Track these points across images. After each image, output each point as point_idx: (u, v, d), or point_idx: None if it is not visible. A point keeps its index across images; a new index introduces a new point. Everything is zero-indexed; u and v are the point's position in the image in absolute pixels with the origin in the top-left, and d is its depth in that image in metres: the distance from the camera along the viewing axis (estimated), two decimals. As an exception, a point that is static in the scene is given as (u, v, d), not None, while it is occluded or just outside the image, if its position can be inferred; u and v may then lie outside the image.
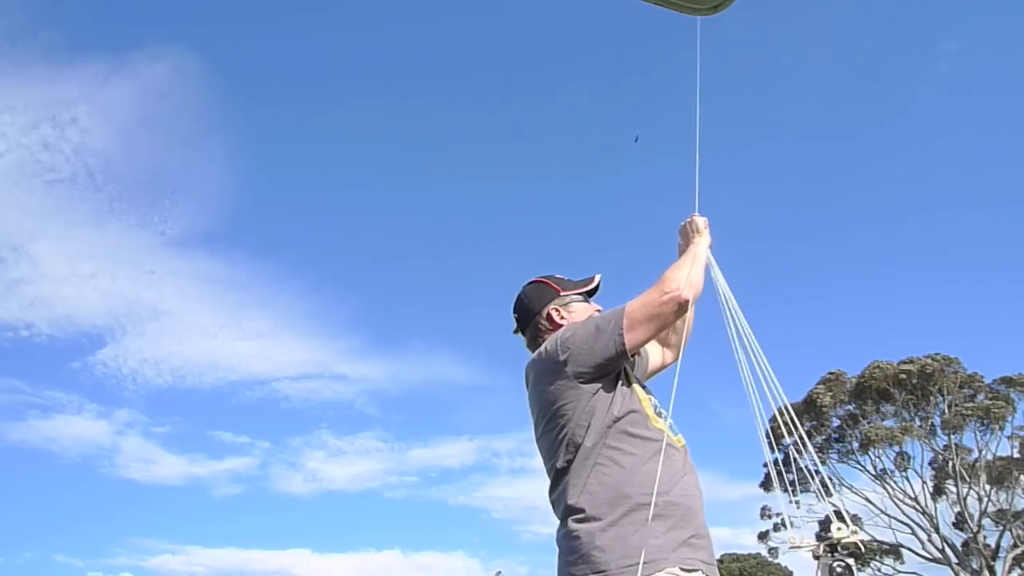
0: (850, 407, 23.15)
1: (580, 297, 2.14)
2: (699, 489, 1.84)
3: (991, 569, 21.02)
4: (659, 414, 1.90)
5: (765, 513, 25.37)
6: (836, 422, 23.56)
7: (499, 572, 34.59)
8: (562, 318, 2.08)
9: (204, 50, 54.65)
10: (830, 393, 23.26)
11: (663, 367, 2.28)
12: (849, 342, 42.52)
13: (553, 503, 1.85)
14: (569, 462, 1.78)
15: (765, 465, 25.56)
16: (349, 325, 56.74)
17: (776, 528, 25.10)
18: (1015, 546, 21.01)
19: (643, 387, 2.01)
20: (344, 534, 48.84)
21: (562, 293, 2.11)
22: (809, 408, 23.56)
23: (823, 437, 23.69)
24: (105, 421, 43.56)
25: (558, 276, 2.18)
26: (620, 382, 1.88)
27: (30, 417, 40.67)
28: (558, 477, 1.82)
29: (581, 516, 1.70)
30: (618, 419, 1.80)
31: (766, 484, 25.33)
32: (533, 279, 2.19)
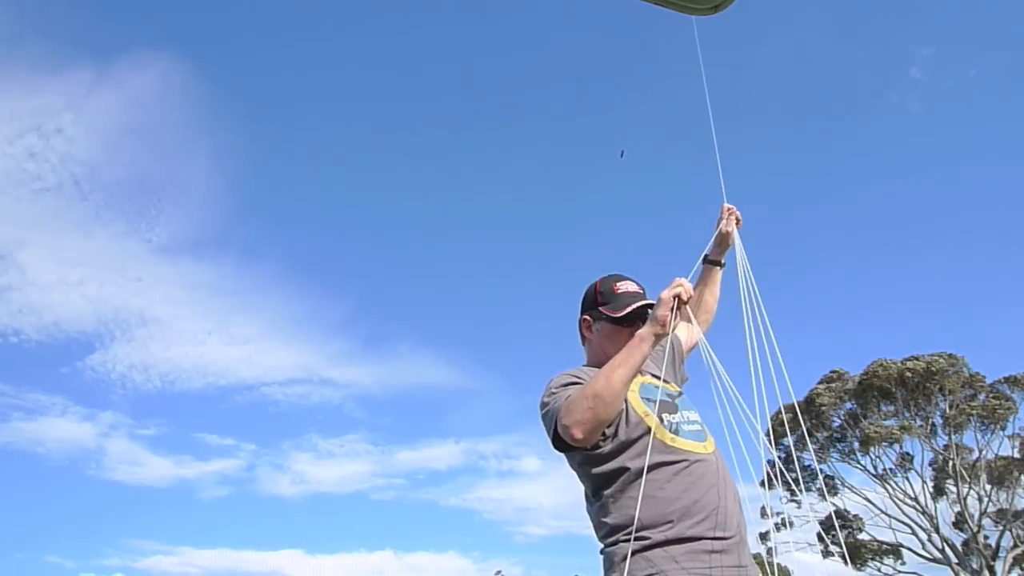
0: (850, 406, 23.14)
1: (610, 319, 1.99)
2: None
3: (991, 569, 21.01)
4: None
5: (765, 513, 25.37)
6: (837, 422, 23.55)
7: (499, 572, 34.62)
8: (589, 331, 2.07)
9: (189, 58, 54.90)
10: (830, 392, 23.24)
11: (696, 344, 2.23)
12: (851, 341, 42.51)
13: None
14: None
15: (765, 465, 25.58)
16: (337, 330, 57.10)
17: (777, 528, 25.11)
18: (1015, 546, 20.99)
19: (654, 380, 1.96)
20: (334, 535, 49.11)
21: (598, 306, 2.03)
22: (809, 407, 23.54)
23: (824, 436, 23.67)
24: (89, 424, 43.87)
25: (616, 281, 2.05)
26: None
27: (14, 419, 40.83)
28: None
29: None
30: None
31: (767, 483, 25.31)
32: (605, 275, 2.10)
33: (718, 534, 1.65)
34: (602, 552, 1.72)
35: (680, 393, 2.01)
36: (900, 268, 44.41)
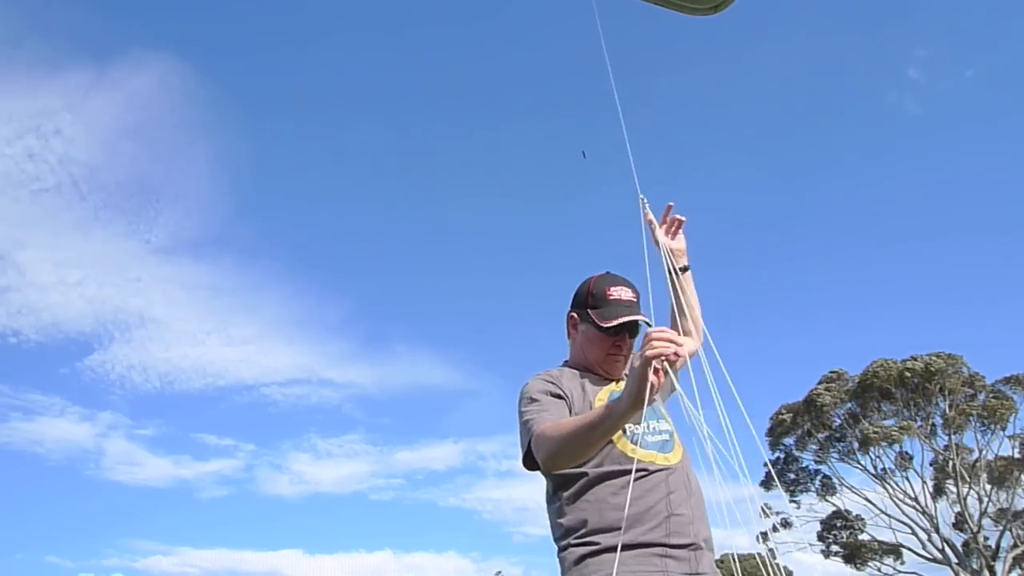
0: (850, 406, 23.15)
1: (595, 325, 1.97)
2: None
3: (991, 569, 21.01)
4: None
5: (765, 512, 25.39)
6: (837, 421, 23.56)
7: (499, 572, 34.63)
8: (575, 329, 2.06)
9: (188, 59, 54.85)
10: (830, 392, 23.25)
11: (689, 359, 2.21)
12: (851, 341, 42.50)
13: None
14: None
15: (766, 464, 25.60)
16: (335, 330, 57.06)
17: (775, 528, 25.11)
18: (1015, 546, 20.99)
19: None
20: (333, 535, 49.14)
21: (587, 307, 2.01)
22: (809, 407, 23.55)
23: (824, 436, 23.68)
24: (88, 424, 43.87)
25: (610, 285, 2.02)
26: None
27: (13, 420, 40.86)
28: None
29: None
30: None
31: (766, 483, 25.36)
32: (602, 273, 2.08)
33: (673, 541, 1.67)
34: (558, 555, 1.77)
35: (653, 401, 2.00)
36: (900, 268, 44.43)
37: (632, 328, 1.96)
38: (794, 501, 24.85)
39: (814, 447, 24.10)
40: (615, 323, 1.93)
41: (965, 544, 21.93)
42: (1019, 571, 21.16)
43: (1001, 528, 21.35)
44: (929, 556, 21.93)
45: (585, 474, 1.77)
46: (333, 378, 53.66)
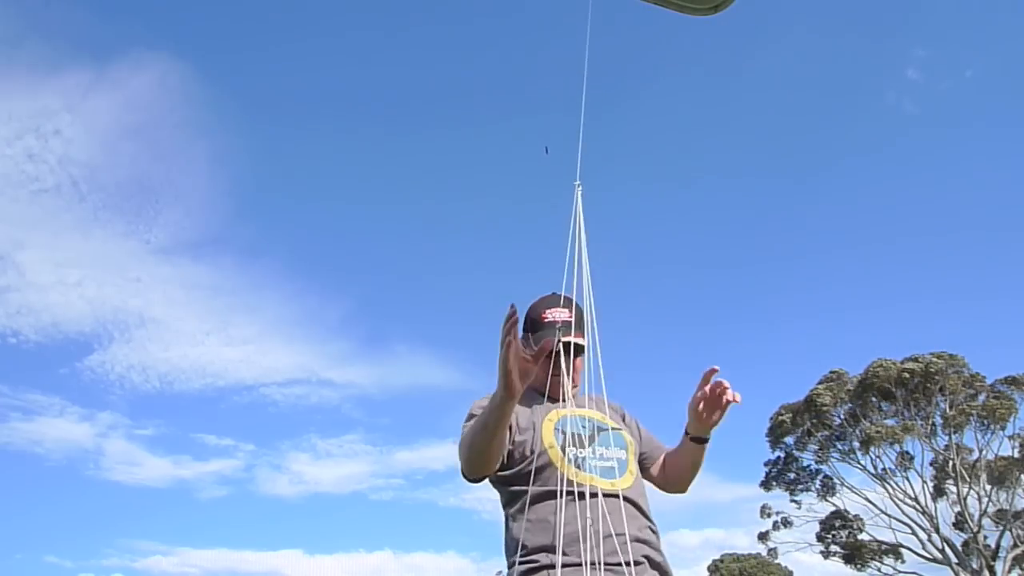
0: (850, 406, 23.16)
1: (536, 344, 1.94)
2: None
3: (991, 569, 21.01)
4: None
5: (765, 512, 25.39)
6: (837, 421, 23.57)
7: (500, 572, 34.67)
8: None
9: (187, 59, 54.83)
10: (830, 392, 23.26)
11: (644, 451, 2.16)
12: (851, 341, 42.51)
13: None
14: None
15: (767, 464, 25.62)
16: (335, 331, 57.11)
17: (776, 527, 25.12)
18: (1015, 546, 21.00)
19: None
20: (333, 535, 49.20)
21: (529, 331, 2.05)
22: (809, 407, 23.57)
23: (824, 435, 23.69)
24: (88, 424, 43.90)
25: (545, 308, 2.02)
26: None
27: (13, 420, 40.91)
28: None
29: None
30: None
31: (766, 483, 25.36)
32: (541, 298, 2.08)
33: (609, 560, 1.71)
34: (507, 571, 1.85)
35: (612, 428, 2.00)
36: (899, 268, 44.45)
37: (574, 346, 1.96)
38: (795, 500, 24.89)
39: (814, 447, 24.12)
40: (547, 348, 1.91)
41: (965, 544, 21.94)
42: (1019, 571, 21.18)
43: (1001, 528, 21.36)
44: (929, 556, 21.94)
45: (524, 492, 1.84)
46: (333, 378, 53.73)
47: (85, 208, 45.96)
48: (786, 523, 25.02)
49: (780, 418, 24.52)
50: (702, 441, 2.02)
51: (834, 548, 24.21)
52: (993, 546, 21.47)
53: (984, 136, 44.36)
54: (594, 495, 1.78)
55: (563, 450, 1.87)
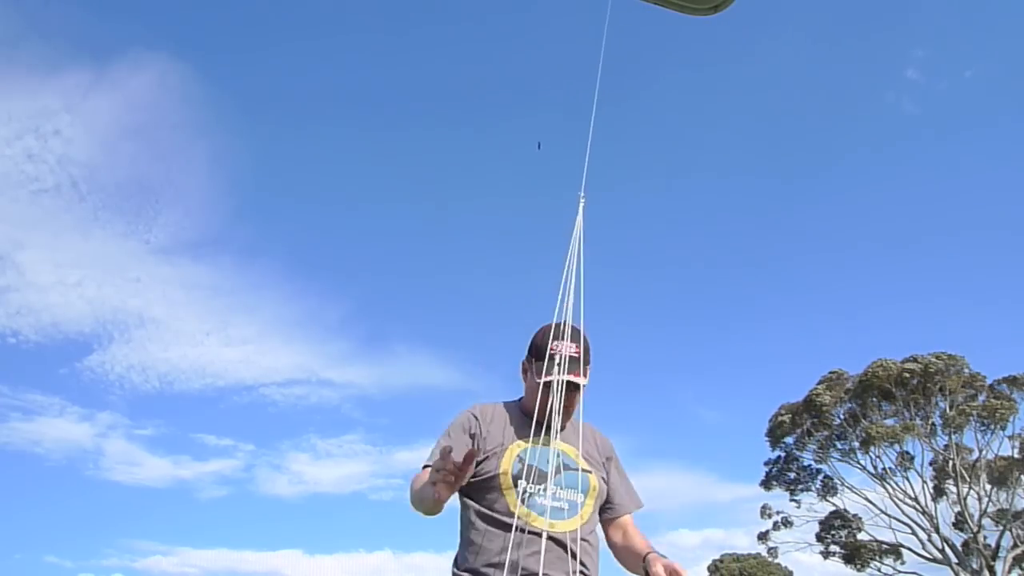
0: (851, 406, 23.18)
1: (534, 378, 1.97)
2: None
3: (991, 569, 21.02)
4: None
5: (765, 512, 25.40)
6: (837, 421, 23.59)
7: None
8: (524, 374, 2.10)
9: (187, 59, 54.75)
10: (829, 392, 23.27)
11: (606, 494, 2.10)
12: (851, 341, 42.51)
13: None
14: None
15: (767, 463, 25.63)
16: (335, 331, 57.20)
17: (776, 527, 25.13)
18: (1015, 546, 21.01)
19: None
20: (333, 535, 49.34)
21: (532, 357, 2.04)
22: (809, 408, 23.58)
23: (824, 435, 23.70)
24: (87, 424, 44.04)
25: (554, 340, 1.97)
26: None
27: (12, 420, 41.10)
28: None
29: None
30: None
31: (766, 483, 25.38)
32: (549, 326, 2.03)
33: None
34: None
35: (581, 470, 1.97)
36: (899, 268, 44.41)
37: (572, 382, 1.94)
38: (794, 500, 24.90)
39: (814, 447, 24.14)
40: (549, 379, 1.91)
41: (965, 544, 21.94)
42: (1019, 571, 21.18)
43: (1001, 528, 21.36)
44: (929, 556, 21.95)
45: (471, 511, 1.91)
46: (332, 378, 53.75)
47: (85, 208, 46.06)
48: (786, 523, 25.05)
49: (780, 418, 24.53)
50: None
51: (834, 548, 24.23)
52: (993, 546, 21.48)
53: (984, 136, 44.37)
54: (522, 531, 1.81)
55: (515, 481, 1.88)
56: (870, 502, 23.16)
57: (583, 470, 1.97)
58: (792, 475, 24.98)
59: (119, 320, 45.16)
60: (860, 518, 23.75)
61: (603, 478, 2.05)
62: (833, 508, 24.34)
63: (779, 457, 25.22)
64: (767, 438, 25.13)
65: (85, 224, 45.74)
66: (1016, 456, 21.57)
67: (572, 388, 1.95)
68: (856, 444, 23.12)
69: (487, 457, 1.93)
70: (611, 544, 2.05)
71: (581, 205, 1.93)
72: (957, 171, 43.53)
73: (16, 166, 40.92)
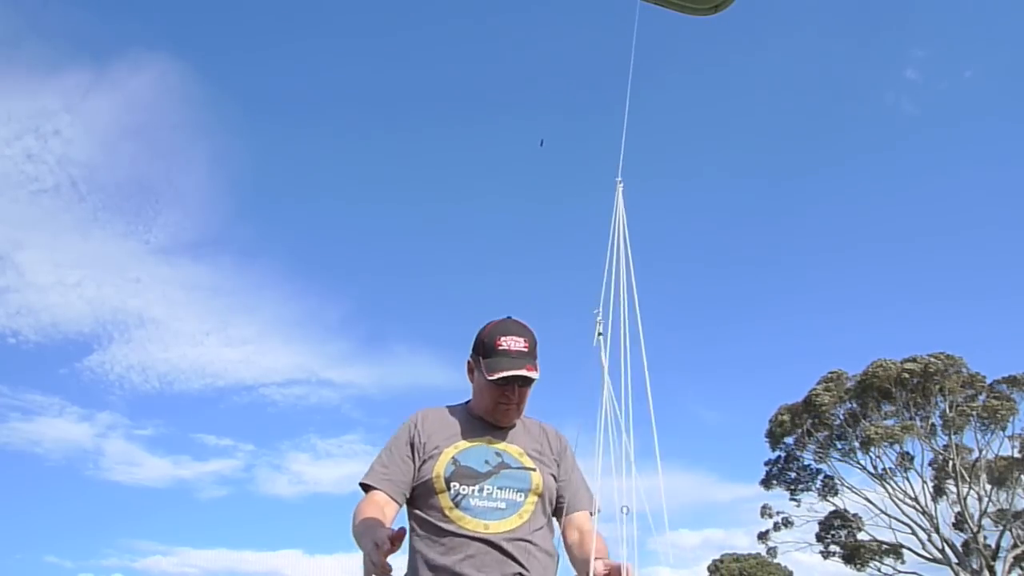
0: (851, 406, 23.19)
1: (482, 375, 1.92)
2: None
3: (991, 569, 21.03)
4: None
5: (765, 512, 25.41)
6: (837, 421, 23.60)
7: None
8: (471, 373, 2.04)
9: (187, 59, 54.80)
10: (829, 393, 23.29)
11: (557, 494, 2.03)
12: (851, 341, 42.52)
13: None
14: None
15: (767, 463, 25.63)
16: (335, 331, 57.29)
17: (776, 527, 25.14)
18: (1015, 546, 21.02)
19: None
20: (333, 535, 49.40)
21: (479, 355, 1.97)
22: (808, 408, 23.60)
23: (824, 435, 23.71)
24: (87, 424, 44.12)
25: (500, 335, 1.93)
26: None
27: (12, 420, 41.19)
28: None
29: None
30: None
31: (766, 483, 25.39)
32: (500, 319, 2.01)
33: None
34: None
35: (523, 468, 1.92)
36: (899, 268, 44.38)
37: (522, 378, 1.90)
38: (794, 500, 24.91)
39: (813, 447, 24.14)
40: (499, 376, 1.88)
41: (965, 544, 21.95)
42: (1019, 571, 21.19)
43: (1001, 528, 21.38)
44: (929, 556, 21.96)
45: (413, 518, 1.89)
46: (332, 378, 53.79)
47: (84, 208, 46.11)
48: (786, 523, 25.06)
49: (780, 418, 24.54)
50: None
51: (834, 548, 24.24)
52: (993, 546, 21.50)
53: (983, 136, 44.37)
54: (456, 535, 1.78)
55: (448, 484, 1.83)
56: (870, 502, 23.20)
57: (526, 468, 1.91)
58: (792, 475, 24.99)
59: (119, 320, 45.21)
60: (860, 518, 23.77)
61: (552, 475, 1.96)
62: (833, 508, 24.37)
63: (779, 457, 25.25)
64: (767, 438, 25.15)
65: (85, 224, 45.78)
66: (1016, 456, 21.59)
67: (523, 383, 1.92)
68: (856, 444, 23.14)
69: (424, 461, 1.88)
70: (566, 546, 1.94)
71: (619, 190, 1.84)
72: (957, 171, 43.56)
73: (16, 166, 40.97)
